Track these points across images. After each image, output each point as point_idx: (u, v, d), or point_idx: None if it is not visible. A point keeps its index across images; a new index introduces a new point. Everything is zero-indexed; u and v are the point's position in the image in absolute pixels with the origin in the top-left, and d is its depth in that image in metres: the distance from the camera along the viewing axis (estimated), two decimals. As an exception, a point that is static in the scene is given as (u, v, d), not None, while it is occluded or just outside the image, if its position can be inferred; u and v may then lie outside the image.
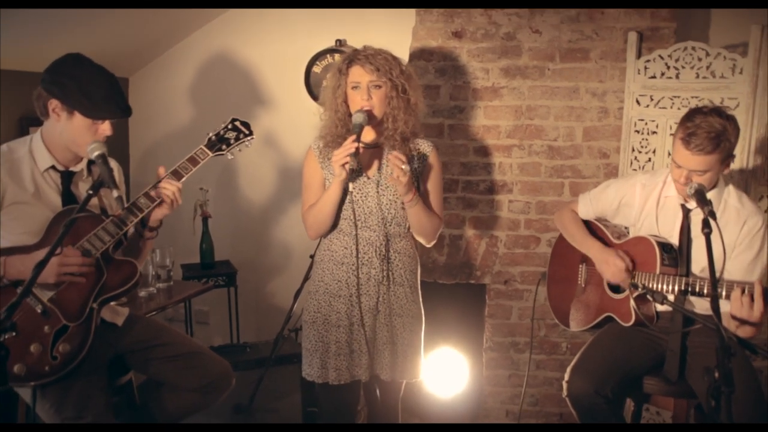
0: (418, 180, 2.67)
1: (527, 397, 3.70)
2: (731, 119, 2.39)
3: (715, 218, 2.12)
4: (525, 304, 3.65)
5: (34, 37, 3.10)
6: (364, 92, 2.52)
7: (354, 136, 2.43)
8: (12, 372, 2.10)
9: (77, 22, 3.16)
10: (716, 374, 1.80)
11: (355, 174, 2.55)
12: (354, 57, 2.56)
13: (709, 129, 2.34)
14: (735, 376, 1.94)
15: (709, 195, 2.45)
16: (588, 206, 2.85)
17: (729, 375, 1.78)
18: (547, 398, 3.71)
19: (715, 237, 2.18)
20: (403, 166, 2.42)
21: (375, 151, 2.63)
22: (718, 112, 2.39)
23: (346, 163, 2.43)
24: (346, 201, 2.58)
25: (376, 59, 2.53)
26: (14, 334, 2.09)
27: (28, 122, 3.32)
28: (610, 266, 2.65)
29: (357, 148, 2.42)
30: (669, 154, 3.16)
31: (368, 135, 2.58)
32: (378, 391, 2.76)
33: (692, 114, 2.42)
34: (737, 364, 2.27)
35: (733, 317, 2.28)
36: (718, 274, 2.08)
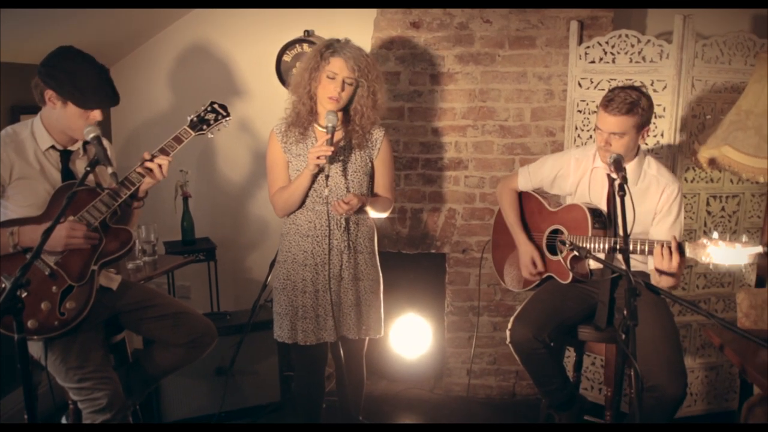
0: (372, 162, 2.90)
1: (486, 356, 3.99)
2: (645, 95, 2.71)
3: (626, 182, 2.41)
4: (482, 271, 3.89)
5: (24, 31, 3.23)
6: (338, 85, 2.69)
7: (329, 137, 2.64)
8: (26, 326, 2.31)
9: (63, 17, 3.30)
10: (625, 312, 2.11)
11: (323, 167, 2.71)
12: (340, 48, 2.72)
13: (624, 96, 2.66)
14: (647, 314, 2.26)
15: (630, 165, 2.77)
16: (527, 179, 3.12)
17: (634, 311, 2.08)
18: (504, 357, 3.96)
19: (630, 201, 2.48)
20: (346, 207, 2.71)
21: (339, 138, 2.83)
22: (634, 87, 2.72)
23: (321, 162, 2.65)
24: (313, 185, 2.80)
25: (359, 60, 2.71)
26: (25, 294, 2.24)
27: (20, 110, 3.47)
28: (525, 262, 3.02)
29: (333, 152, 2.64)
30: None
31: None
32: (344, 350, 2.97)
33: (613, 89, 2.74)
34: (649, 304, 2.64)
35: (657, 270, 2.60)
36: (630, 230, 2.38)
